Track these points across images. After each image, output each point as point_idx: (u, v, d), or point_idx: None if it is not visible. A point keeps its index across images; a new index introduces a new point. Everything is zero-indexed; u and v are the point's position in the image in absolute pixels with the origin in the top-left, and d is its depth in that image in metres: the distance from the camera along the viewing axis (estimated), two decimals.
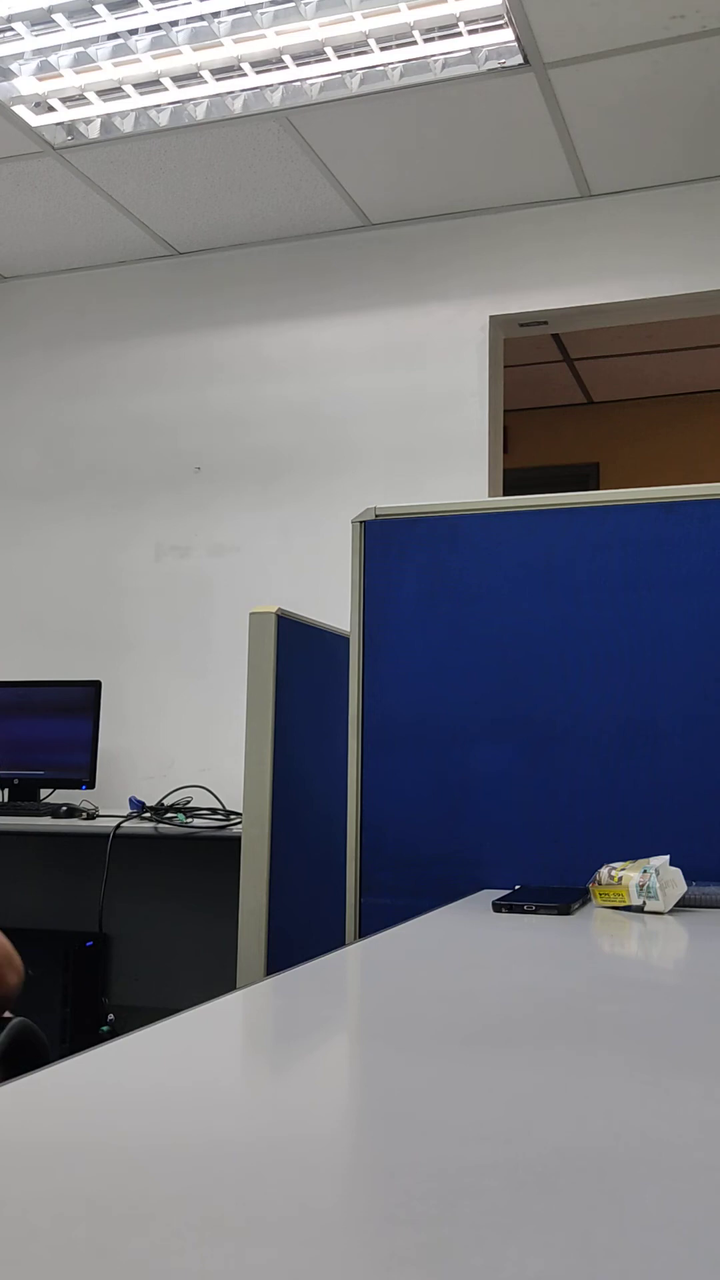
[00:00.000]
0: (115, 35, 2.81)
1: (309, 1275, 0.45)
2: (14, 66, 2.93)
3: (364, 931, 1.82)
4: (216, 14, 2.72)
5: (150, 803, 3.41)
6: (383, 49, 2.81)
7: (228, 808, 3.39)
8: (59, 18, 2.75)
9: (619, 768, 1.74)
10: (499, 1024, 0.88)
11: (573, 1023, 0.89)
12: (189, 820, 3.25)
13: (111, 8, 2.71)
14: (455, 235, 3.64)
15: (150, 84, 2.98)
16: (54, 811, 3.22)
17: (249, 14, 2.71)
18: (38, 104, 3.08)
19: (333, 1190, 0.55)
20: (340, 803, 2.53)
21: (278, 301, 3.82)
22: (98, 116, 3.13)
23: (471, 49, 2.80)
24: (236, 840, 2.91)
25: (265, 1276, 0.45)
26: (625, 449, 5.63)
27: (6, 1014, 1.33)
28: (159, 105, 3.07)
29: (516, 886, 1.70)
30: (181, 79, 2.96)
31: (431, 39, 2.77)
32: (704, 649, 1.72)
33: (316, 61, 2.86)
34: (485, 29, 2.74)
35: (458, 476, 3.51)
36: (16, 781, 3.50)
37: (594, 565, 1.79)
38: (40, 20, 2.76)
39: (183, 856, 3.69)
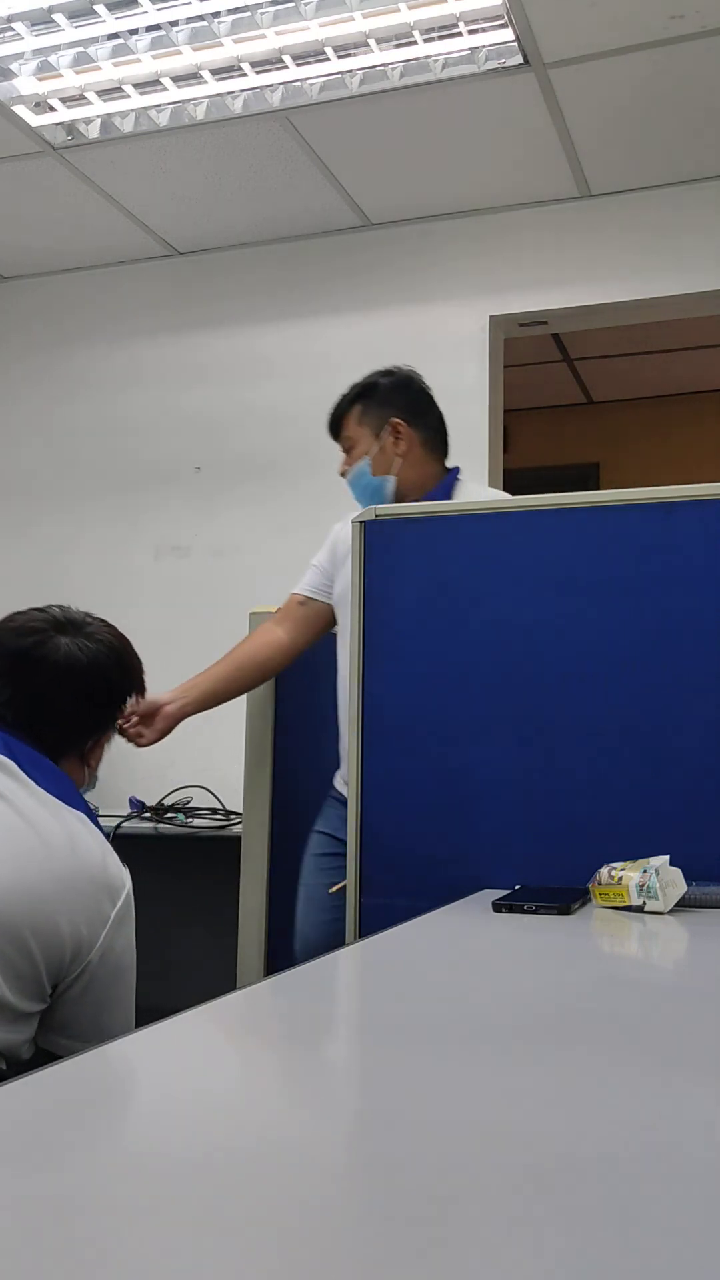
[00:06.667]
0: (115, 35, 2.81)
1: (308, 1275, 0.45)
2: (14, 66, 2.93)
3: (364, 932, 1.81)
4: (216, 14, 2.72)
5: (150, 803, 3.40)
6: (383, 49, 2.81)
7: (228, 808, 3.38)
8: (59, 18, 2.75)
9: (619, 768, 1.74)
10: (499, 1024, 0.88)
11: (573, 1023, 0.89)
12: (189, 820, 3.25)
13: (111, 8, 2.71)
14: (455, 235, 3.63)
15: (150, 84, 2.98)
16: None
17: (249, 14, 2.71)
18: (38, 104, 3.08)
19: (332, 1190, 0.55)
20: None
21: (278, 301, 3.81)
22: (98, 116, 3.13)
23: (471, 49, 2.80)
24: (236, 840, 2.90)
25: (264, 1276, 0.45)
26: (625, 449, 5.62)
27: None
28: (159, 105, 3.06)
29: (516, 886, 1.69)
30: (181, 79, 2.96)
31: (431, 39, 2.77)
32: (704, 649, 1.72)
33: (316, 61, 2.86)
34: (485, 29, 2.73)
35: None
36: None
37: (594, 565, 1.79)
38: (40, 20, 2.76)
39: (183, 856, 3.68)
